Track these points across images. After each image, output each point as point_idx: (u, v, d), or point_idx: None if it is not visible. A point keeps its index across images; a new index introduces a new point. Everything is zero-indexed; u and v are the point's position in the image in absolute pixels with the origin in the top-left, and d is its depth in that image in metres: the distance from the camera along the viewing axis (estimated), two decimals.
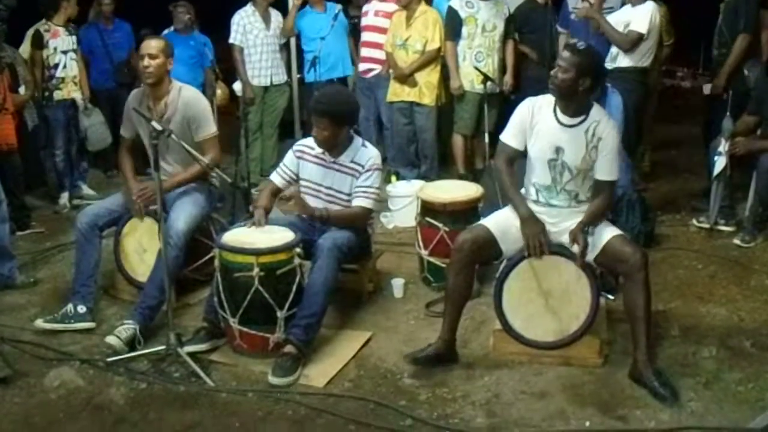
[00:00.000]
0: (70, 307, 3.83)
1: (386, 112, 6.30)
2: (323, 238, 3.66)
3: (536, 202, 3.44)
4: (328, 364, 3.46)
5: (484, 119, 5.66)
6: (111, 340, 3.54)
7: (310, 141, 3.91)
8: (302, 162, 3.93)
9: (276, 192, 3.98)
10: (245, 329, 3.45)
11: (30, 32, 5.81)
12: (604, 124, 3.30)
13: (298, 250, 3.51)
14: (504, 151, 3.47)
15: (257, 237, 3.55)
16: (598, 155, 3.30)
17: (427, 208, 4.27)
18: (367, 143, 3.96)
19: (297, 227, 3.72)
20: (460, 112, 6.08)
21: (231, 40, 6.36)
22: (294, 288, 3.47)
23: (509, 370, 3.37)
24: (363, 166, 3.82)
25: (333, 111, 3.71)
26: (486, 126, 5.61)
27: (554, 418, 3.02)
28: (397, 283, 4.22)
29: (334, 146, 3.83)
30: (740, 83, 5.31)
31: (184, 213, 3.92)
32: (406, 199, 5.23)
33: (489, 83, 5.63)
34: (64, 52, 5.86)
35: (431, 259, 4.24)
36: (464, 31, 5.88)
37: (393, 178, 6.10)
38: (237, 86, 6.39)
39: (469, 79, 5.90)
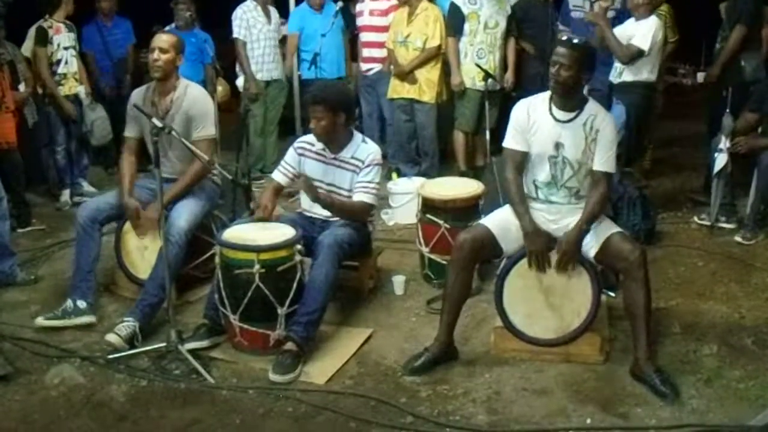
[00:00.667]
0: (69, 302, 3.82)
1: (388, 107, 6.30)
2: (324, 235, 3.66)
3: (536, 199, 3.44)
4: (329, 361, 3.46)
5: (485, 116, 5.65)
6: (111, 337, 3.53)
7: (310, 137, 3.90)
8: (303, 159, 3.93)
9: (278, 190, 3.97)
10: (246, 326, 3.45)
11: (33, 29, 5.79)
12: (602, 116, 3.33)
13: (298, 246, 3.51)
14: (511, 157, 3.44)
15: (258, 234, 3.54)
16: (597, 146, 3.30)
17: (428, 205, 4.26)
18: (367, 139, 3.96)
19: (298, 224, 3.71)
20: (461, 109, 6.08)
21: (234, 35, 6.30)
22: (295, 285, 3.47)
23: (510, 367, 3.37)
24: (363, 162, 3.82)
25: (326, 97, 3.73)
26: (487, 123, 5.60)
27: (555, 416, 3.02)
28: (398, 280, 4.22)
29: (334, 138, 3.82)
30: (738, 75, 5.30)
31: (186, 210, 3.91)
32: (407, 196, 5.22)
33: (490, 80, 5.62)
34: (66, 49, 5.85)
35: (432, 256, 4.23)
36: (466, 27, 5.87)
37: (394, 175, 6.10)
38: (240, 82, 6.38)
39: (470, 76, 5.89)
